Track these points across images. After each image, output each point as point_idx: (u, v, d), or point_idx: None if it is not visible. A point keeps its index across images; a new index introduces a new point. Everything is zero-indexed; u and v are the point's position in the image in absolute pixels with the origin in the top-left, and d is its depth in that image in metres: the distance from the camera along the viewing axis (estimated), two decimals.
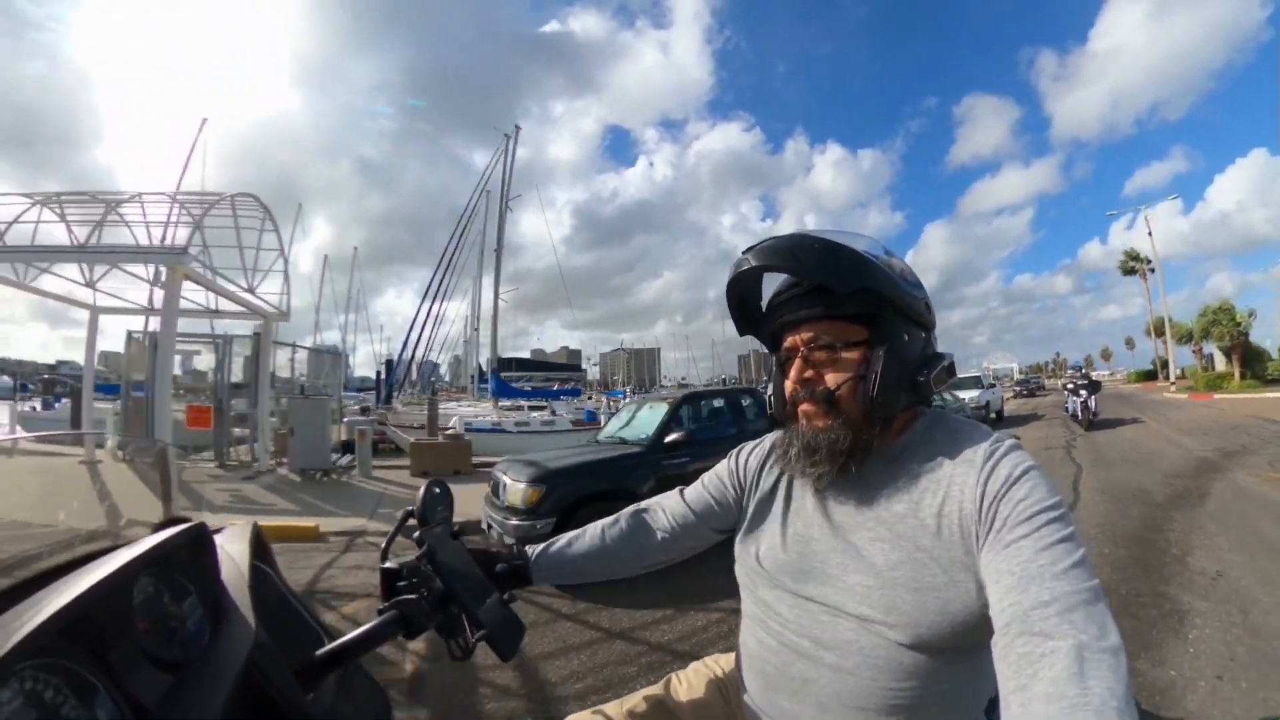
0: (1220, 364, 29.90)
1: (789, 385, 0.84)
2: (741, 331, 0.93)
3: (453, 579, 0.79)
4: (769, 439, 0.98)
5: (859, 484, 0.81)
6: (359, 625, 0.76)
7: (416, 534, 0.82)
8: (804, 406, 0.82)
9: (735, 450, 1.03)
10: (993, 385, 19.62)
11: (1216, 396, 21.59)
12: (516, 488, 4.13)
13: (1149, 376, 41.20)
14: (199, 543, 0.75)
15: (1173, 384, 29.36)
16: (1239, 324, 27.71)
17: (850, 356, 0.79)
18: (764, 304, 0.90)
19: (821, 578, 0.80)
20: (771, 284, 0.88)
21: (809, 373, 0.81)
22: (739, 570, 0.93)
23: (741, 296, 0.89)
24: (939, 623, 0.70)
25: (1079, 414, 12.82)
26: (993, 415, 16.65)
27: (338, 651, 0.74)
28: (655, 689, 0.99)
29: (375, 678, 0.89)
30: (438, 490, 0.90)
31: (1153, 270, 36.14)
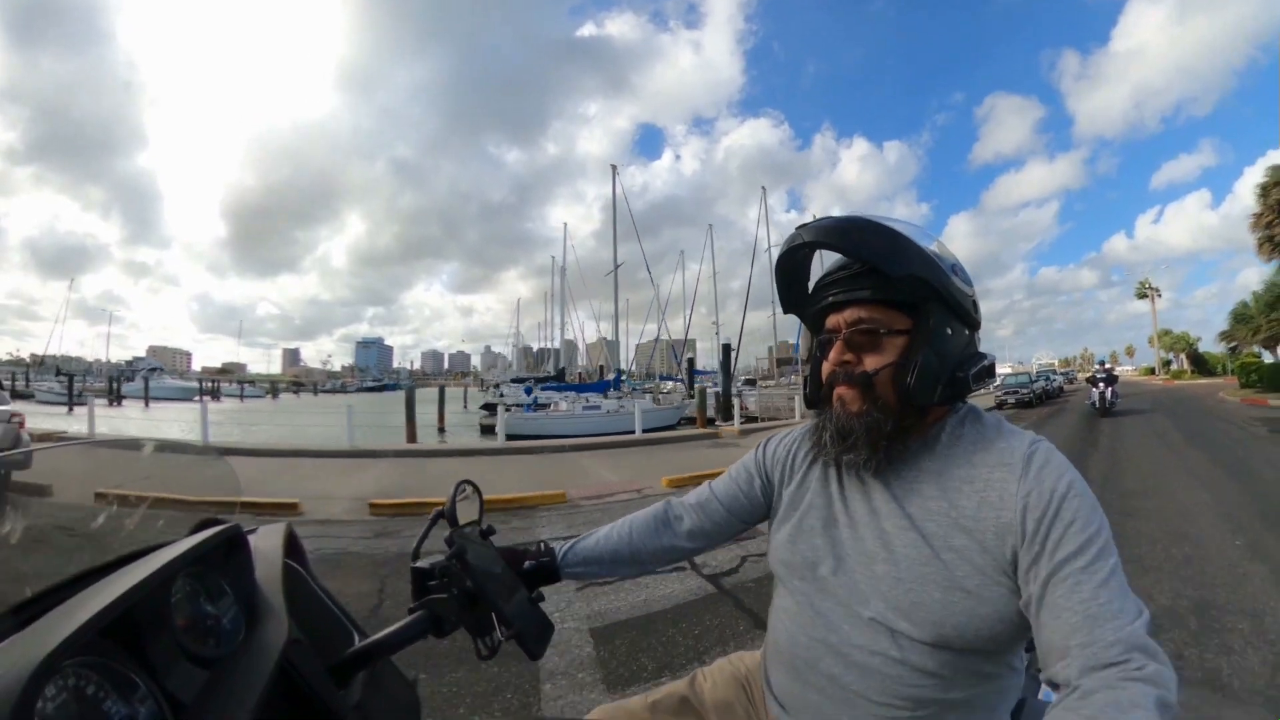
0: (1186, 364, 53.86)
1: (827, 367, 0.80)
2: (786, 309, 0.88)
3: (482, 578, 0.77)
4: (797, 430, 0.94)
5: (890, 476, 0.77)
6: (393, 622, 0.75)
7: (447, 534, 0.80)
8: (840, 389, 0.77)
9: (763, 441, 0.98)
10: (1060, 374, 39.60)
11: (1175, 382, 39.71)
12: None
13: (1151, 372, 61.57)
14: (234, 543, 0.75)
15: (1159, 376, 51.89)
16: (1191, 344, 54.21)
17: (893, 343, 0.75)
18: (810, 285, 0.85)
19: (850, 572, 0.77)
20: (820, 267, 0.84)
21: (848, 355, 0.77)
22: (771, 562, 0.89)
23: (790, 274, 0.84)
24: (965, 625, 0.68)
25: (1098, 403, 14.74)
26: (1059, 390, 26.91)
27: (369, 649, 0.73)
28: (680, 685, 0.96)
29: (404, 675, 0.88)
30: (468, 490, 0.88)
31: (1160, 295, 58.62)
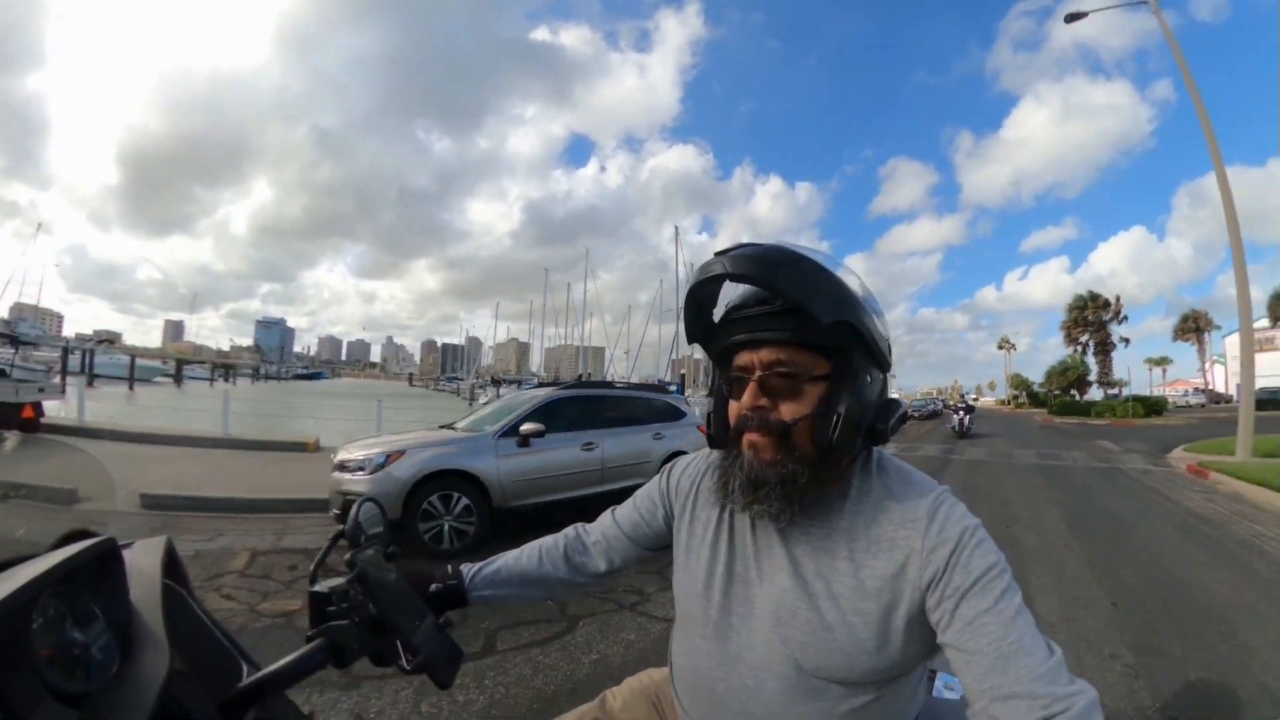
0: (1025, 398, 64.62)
1: (737, 408, 0.73)
2: (691, 339, 0.81)
3: (386, 603, 0.71)
4: (702, 455, 0.91)
5: (798, 533, 0.74)
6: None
7: (348, 555, 0.74)
8: (751, 436, 0.71)
9: (668, 466, 0.95)
10: (940, 399, 57.10)
11: (1017, 410, 54.13)
12: None
13: (1004, 403, 75.83)
14: (106, 559, 0.63)
15: (1007, 407, 63.90)
16: (1030, 385, 62.03)
17: (812, 390, 0.69)
18: (716, 314, 0.77)
19: (753, 626, 0.75)
20: (729, 291, 0.75)
21: (763, 400, 0.70)
22: (674, 591, 0.87)
23: (701, 302, 0.76)
24: (867, 679, 0.69)
25: (957, 427, 19.26)
26: (940, 410, 38.94)
27: (263, 682, 0.65)
28: (590, 707, 0.94)
29: (302, 709, 0.79)
30: (371, 509, 0.83)
31: (1015, 348, 73.05)
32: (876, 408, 0.73)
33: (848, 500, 0.74)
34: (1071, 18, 13.84)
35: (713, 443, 0.81)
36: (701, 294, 0.75)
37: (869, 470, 0.76)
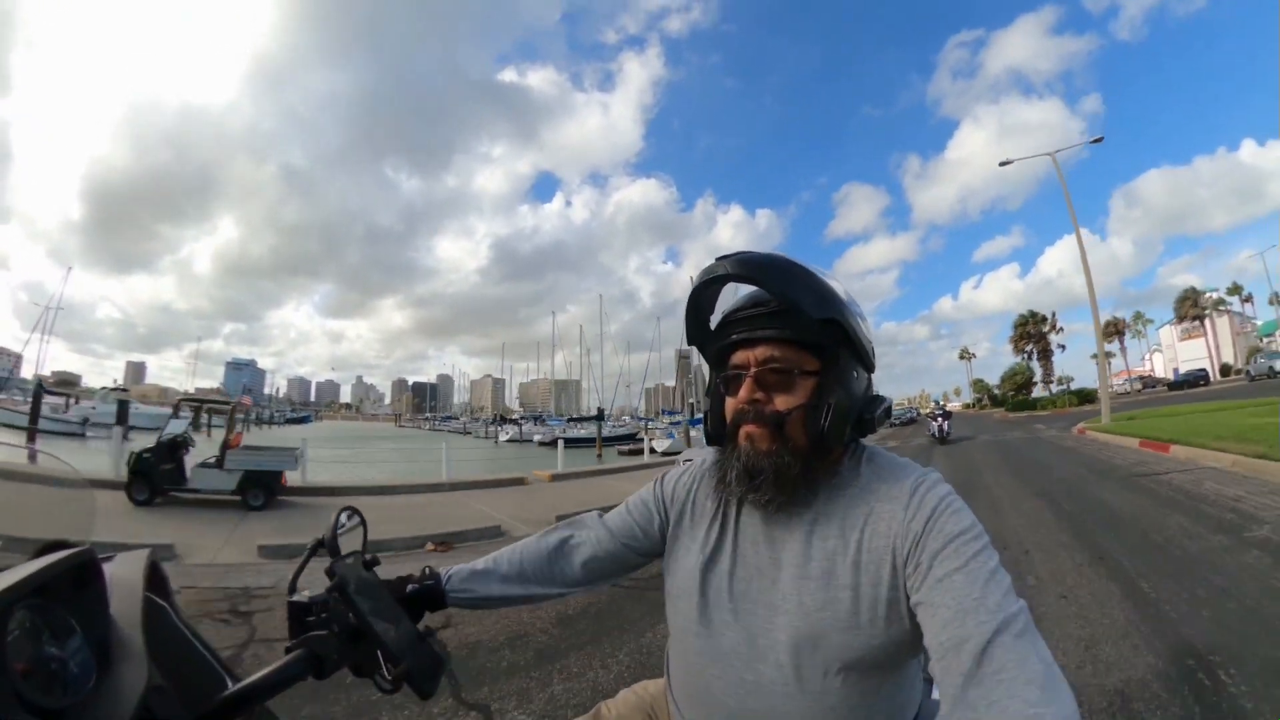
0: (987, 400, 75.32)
1: (734, 404, 0.77)
2: (691, 341, 0.85)
3: (366, 612, 0.70)
4: (696, 465, 0.92)
5: (791, 517, 0.76)
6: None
7: (327, 565, 0.73)
8: (749, 428, 0.74)
9: (661, 475, 0.95)
10: (914, 409, 70.57)
11: (981, 411, 62.83)
12: None
13: (968, 406, 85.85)
14: (85, 571, 0.62)
15: (972, 410, 72.13)
16: (990, 389, 72.11)
17: (804, 384, 0.74)
18: (713, 319, 0.82)
19: (748, 611, 0.76)
20: (725, 299, 0.82)
21: (759, 394, 0.74)
22: (667, 595, 0.86)
23: (701, 306, 0.81)
24: (864, 657, 0.69)
25: (936, 433, 19.16)
26: (915, 418, 47.09)
27: (243, 695, 0.63)
28: (584, 719, 0.92)
29: None
30: (350, 517, 0.82)
31: (975, 356, 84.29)
32: (864, 401, 0.78)
33: (837, 487, 0.76)
34: (1004, 163, 22.21)
35: (710, 439, 0.83)
36: (703, 297, 0.81)
37: (858, 460, 0.78)
